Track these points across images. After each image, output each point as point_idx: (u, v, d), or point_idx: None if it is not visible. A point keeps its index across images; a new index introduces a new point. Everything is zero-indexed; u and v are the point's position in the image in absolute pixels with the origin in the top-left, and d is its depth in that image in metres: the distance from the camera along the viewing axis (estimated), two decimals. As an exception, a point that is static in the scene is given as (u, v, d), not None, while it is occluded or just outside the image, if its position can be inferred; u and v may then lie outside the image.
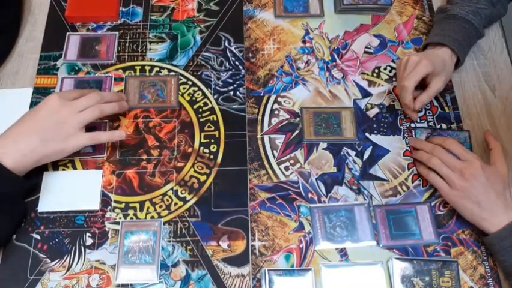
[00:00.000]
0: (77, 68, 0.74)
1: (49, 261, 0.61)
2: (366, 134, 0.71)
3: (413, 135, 0.71)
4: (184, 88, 0.73)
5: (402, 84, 0.66)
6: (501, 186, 0.61)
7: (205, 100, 0.72)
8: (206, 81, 0.74)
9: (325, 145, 0.70)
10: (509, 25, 0.82)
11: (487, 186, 0.60)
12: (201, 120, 0.71)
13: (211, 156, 0.68)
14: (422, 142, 0.69)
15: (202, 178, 0.67)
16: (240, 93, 0.73)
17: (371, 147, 0.70)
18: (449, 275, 0.62)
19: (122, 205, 0.64)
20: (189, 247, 0.62)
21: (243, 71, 0.75)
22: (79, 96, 0.64)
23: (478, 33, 0.72)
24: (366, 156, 0.69)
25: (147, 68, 0.75)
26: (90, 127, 0.69)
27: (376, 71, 0.76)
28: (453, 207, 0.64)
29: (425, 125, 0.72)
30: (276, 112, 0.72)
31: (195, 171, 0.67)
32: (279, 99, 0.73)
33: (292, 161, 0.69)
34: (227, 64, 0.75)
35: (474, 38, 0.73)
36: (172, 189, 0.66)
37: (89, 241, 0.62)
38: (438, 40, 0.70)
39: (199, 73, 0.74)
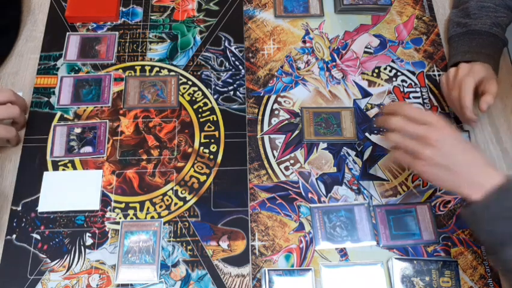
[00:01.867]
0: (77, 68, 0.74)
1: (49, 261, 0.61)
2: (366, 134, 0.71)
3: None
4: (184, 88, 0.73)
5: (463, 103, 0.63)
6: (469, 145, 0.56)
7: (205, 100, 0.72)
8: (206, 81, 0.74)
9: (325, 145, 0.70)
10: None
11: (453, 147, 0.53)
12: (201, 120, 0.71)
13: (211, 156, 0.68)
14: (379, 119, 0.60)
15: (202, 178, 0.67)
16: (240, 93, 0.73)
17: (371, 147, 0.70)
18: (449, 275, 0.62)
19: (122, 205, 0.64)
20: (189, 247, 0.62)
21: (243, 71, 0.75)
22: None
23: (503, 43, 0.72)
24: (366, 156, 0.69)
25: (147, 68, 0.75)
26: (90, 127, 0.69)
27: (376, 71, 0.76)
28: (426, 180, 0.60)
29: (425, 125, 0.72)
30: (276, 112, 0.72)
31: (195, 171, 0.67)
32: (279, 99, 0.73)
33: (292, 161, 0.69)
34: (227, 64, 0.75)
35: (501, 49, 0.73)
36: (172, 189, 0.66)
37: (89, 241, 0.62)
38: (471, 58, 0.69)
39: (199, 73, 0.74)
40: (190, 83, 0.74)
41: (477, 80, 0.64)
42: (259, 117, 0.72)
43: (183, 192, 0.66)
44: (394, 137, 0.56)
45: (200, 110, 0.72)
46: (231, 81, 0.74)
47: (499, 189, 0.51)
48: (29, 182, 0.65)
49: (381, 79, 0.75)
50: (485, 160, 0.54)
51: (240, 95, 0.73)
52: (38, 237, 0.62)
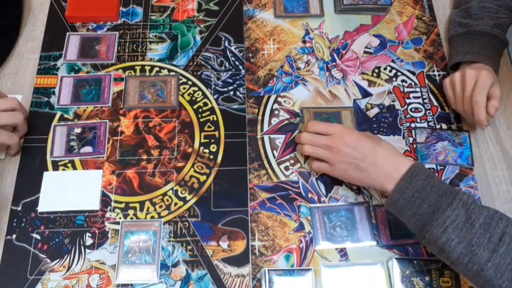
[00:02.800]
0: (77, 68, 0.74)
1: (49, 261, 0.61)
2: (366, 134, 0.71)
3: (413, 135, 0.71)
4: (184, 88, 0.73)
5: (475, 100, 0.63)
6: (376, 141, 0.60)
7: (205, 100, 0.72)
8: (206, 81, 0.74)
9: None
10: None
11: (357, 147, 0.59)
12: (201, 120, 0.71)
13: (211, 156, 0.68)
14: (297, 136, 0.68)
15: (202, 178, 0.67)
16: (240, 93, 0.73)
17: (371, 147, 0.70)
18: (449, 275, 0.62)
19: (122, 205, 0.64)
20: (189, 247, 0.62)
21: (243, 71, 0.75)
22: None
23: (504, 44, 0.72)
24: (366, 156, 0.69)
25: (147, 68, 0.75)
26: (90, 127, 0.69)
27: (376, 71, 0.76)
28: (346, 181, 0.65)
29: (425, 125, 0.72)
30: (276, 112, 0.72)
31: (195, 171, 0.67)
32: (279, 99, 0.73)
33: (292, 161, 0.69)
34: (227, 64, 0.75)
35: (502, 50, 0.73)
36: (172, 189, 0.66)
37: (89, 241, 0.62)
38: (472, 59, 0.69)
39: (199, 73, 0.74)
40: (190, 83, 0.74)
41: (488, 88, 0.64)
42: (259, 117, 0.72)
43: (183, 192, 0.66)
44: (307, 148, 0.64)
45: (200, 110, 0.72)
46: (231, 81, 0.74)
47: (408, 174, 0.55)
48: (29, 182, 0.65)
49: (381, 79, 0.75)
50: (393, 152, 0.59)
51: (240, 95, 0.73)
52: (38, 237, 0.62)
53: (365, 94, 0.74)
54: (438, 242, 0.51)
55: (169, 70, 0.75)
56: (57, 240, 0.62)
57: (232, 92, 0.73)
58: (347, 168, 0.60)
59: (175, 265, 0.61)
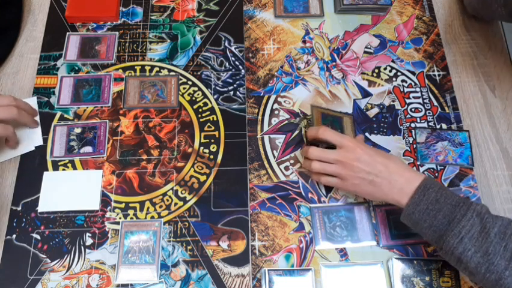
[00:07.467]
0: (77, 68, 0.74)
1: (49, 261, 0.61)
2: (366, 134, 0.71)
3: (413, 135, 0.71)
4: (184, 88, 0.73)
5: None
6: (385, 155, 0.60)
7: (205, 100, 0.72)
8: (206, 81, 0.74)
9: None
10: (509, 25, 0.82)
11: (371, 162, 0.58)
12: (201, 120, 0.71)
13: (211, 156, 0.68)
14: (302, 151, 0.68)
15: (202, 178, 0.67)
16: (240, 93, 0.73)
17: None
18: (449, 275, 0.62)
19: (122, 205, 0.64)
20: (189, 247, 0.62)
21: (243, 71, 0.75)
22: None
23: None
24: (366, 156, 0.69)
25: (147, 68, 0.75)
26: (90, 127, 0.69)
27: (376, 71, 0.76)
28: (359, 195, 0.64)
29: (425, 125, 0.72)
30: (276, 112, 0.72)
31: (195, 171, 0.67)
32: (279, 99, 0.73)
33: (292, 161, 0.69)
34: (227, 64, 0.75)
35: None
36: (172, 189, 0.66)
37: (89, 241, 0.62)
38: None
39: (199, 73, 0.74)
40: (190, 83, 0.74)
41: None
42: (259, 117, 0.72)
43: (183, 192, 0.66)
44: (316, 165, 0.62)
45: (200, 110, 0.72)
46: (231, 81, 0.74)
47: (421, 187, 0.55)
48: (29, 182, 0.65)
49: (381, 79, 0.75)
50: (404, 166, 0.59)
51: (240, 95, 0.73)
52: (38, 237, 0.62)
53: (365, 94, 0.74)
54: (456, 253, 0.51)
55: (169, 70, 0.75)
56: (57, 240, 0.62)
57: (232, 92, 0.73)
58: (360, 184, 0.59)
59: (175, 265, 0.61)
